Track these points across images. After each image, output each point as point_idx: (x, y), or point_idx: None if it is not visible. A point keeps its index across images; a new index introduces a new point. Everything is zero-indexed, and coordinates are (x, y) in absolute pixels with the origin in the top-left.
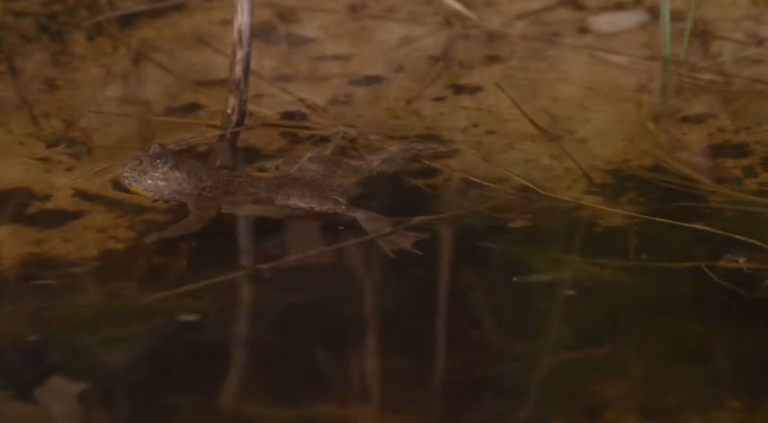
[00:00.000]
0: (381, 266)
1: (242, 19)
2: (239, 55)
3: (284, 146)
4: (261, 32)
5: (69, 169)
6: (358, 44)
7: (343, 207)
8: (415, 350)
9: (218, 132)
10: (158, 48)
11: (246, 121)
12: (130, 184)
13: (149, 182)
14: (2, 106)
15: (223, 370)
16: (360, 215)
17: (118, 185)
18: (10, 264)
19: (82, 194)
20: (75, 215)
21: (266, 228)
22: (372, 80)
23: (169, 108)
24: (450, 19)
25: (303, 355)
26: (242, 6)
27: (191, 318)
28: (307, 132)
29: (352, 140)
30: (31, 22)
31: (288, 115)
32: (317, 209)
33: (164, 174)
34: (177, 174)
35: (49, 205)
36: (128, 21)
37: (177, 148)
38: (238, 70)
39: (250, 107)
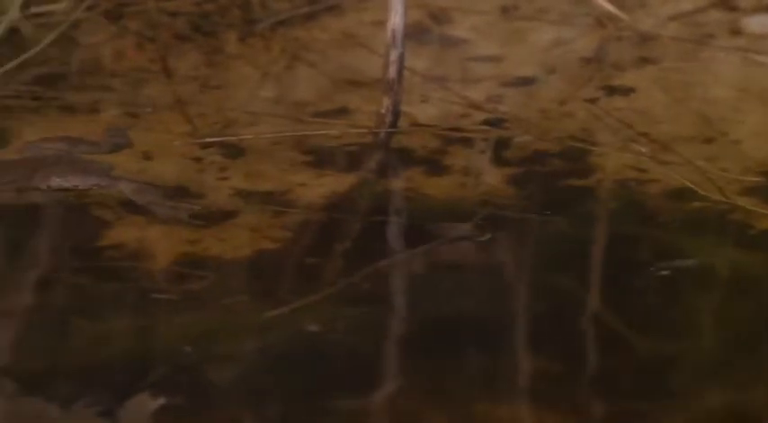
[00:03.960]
0: (511, 261)
1: (395, 20)
2: (393, 56)
3: (438, 147)
4: (413, 33)
5: (223, 169)
6: (510, 45)
7: (108, 180)
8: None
9: (371, 133)
10: (311, 48)
11: (399, 123)
12: None
13: None
14: (156, 106)
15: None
16: (125, 186)
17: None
18: (162, 265)
19: (239, 194)
20: (231, 215)
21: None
22: (524, 81)
23: (322, 109)
24: (602, 20)
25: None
26: (395, 7)
27: (310, 330)
28: (459, 134)
29: (505, 142)
30: (184, 22)
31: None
32: (81, 187)
33: None
34: None
35: (205, 204)
36: (280, 21)
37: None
38: (392, 71)
39: (403, 108)
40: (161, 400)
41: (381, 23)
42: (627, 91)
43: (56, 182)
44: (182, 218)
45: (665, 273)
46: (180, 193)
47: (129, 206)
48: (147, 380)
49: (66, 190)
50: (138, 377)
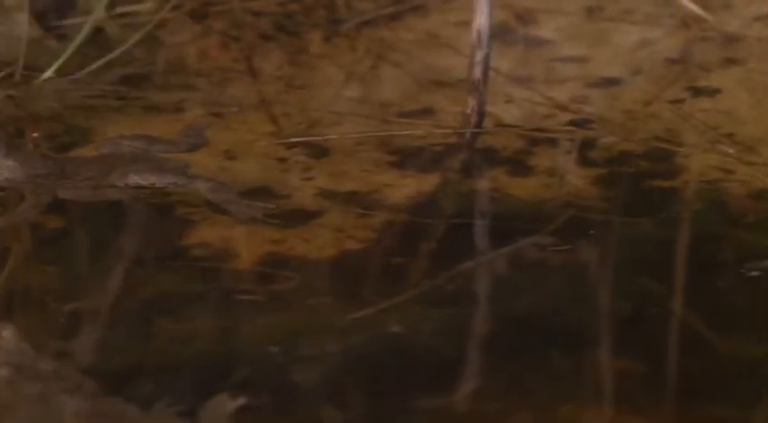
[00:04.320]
0: (597, 264)
1: (481, 20)
2: (478, 56)
3: (523, 148)
4: (498, 34)
5: (307, 169)
6: (595, 46)
7: (185, 179)
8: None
9: (456, 134)
10: (395, 49)
11: (484, 123)
12: None
13: None
14: (241, 105)
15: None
16: (201, 185)
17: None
18: (246, 265)
19: (323, 194)
20: (315, 215)
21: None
22: (609, 82)
23: (407, 109)
24: (686, 21)
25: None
26: (481, 8)
27: (395, 332)
28: (544, 135)
29: (590, 143)
30: (268, 22)
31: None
32: (157, 184)
33: None
34: (9, 162)
35: (289, 204)
36: (364, 21)
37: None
38: (477, 72)
39: (487, 109)
40: (241, 401)
41: (466, 24)
42: (712, 92)
43: (133, 179)
44: (256, 216)
45: (753, 274)
46: (262, 192)
47: (215, 205)
48: (230, 380)
49: (143, 188)
50: (221, 377)
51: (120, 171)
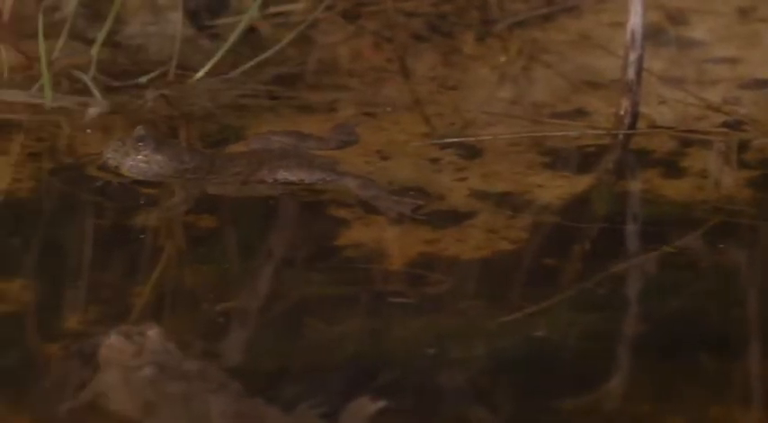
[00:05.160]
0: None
1: (634, 20)
2: (632, 57)
3: (675, 149)
4: (650, 34)
5: (460, 170)
6: (747, 47)
7: (334, 175)
8: None
9: (609, 135)
10: (548, 49)
11: (638, 125)
12: (113, 165)
13: (131, 164)
14: (394, 106)
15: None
16: (350, 182)
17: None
18: (398, 266)
19: (475, 194)
20: (468, 215)
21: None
22: (762, 84)
23: (559, 110)
24: None
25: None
26: (635, 8)
27: (545, 336)
28: (696, 136)
29: (743, 144)
30: (421, 22)
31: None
32: (306, 181)
33: (145, 156)
34: (159, 157)
35: (443, 205)
36: (517, 22)
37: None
38: (631, 72)
39: (640, 109)
40: (382, 403)
41: (619, 25)
42: None
43: (282, 175)
44: (405, 212)
45: None
46: (413, 191)
47: (366, 204)
48: (376, 383)
49: (292, 183)
50: (367, 380)
51: (269, 167)
